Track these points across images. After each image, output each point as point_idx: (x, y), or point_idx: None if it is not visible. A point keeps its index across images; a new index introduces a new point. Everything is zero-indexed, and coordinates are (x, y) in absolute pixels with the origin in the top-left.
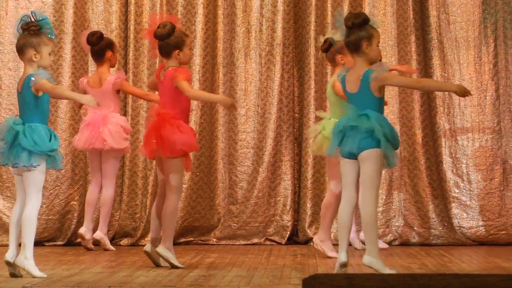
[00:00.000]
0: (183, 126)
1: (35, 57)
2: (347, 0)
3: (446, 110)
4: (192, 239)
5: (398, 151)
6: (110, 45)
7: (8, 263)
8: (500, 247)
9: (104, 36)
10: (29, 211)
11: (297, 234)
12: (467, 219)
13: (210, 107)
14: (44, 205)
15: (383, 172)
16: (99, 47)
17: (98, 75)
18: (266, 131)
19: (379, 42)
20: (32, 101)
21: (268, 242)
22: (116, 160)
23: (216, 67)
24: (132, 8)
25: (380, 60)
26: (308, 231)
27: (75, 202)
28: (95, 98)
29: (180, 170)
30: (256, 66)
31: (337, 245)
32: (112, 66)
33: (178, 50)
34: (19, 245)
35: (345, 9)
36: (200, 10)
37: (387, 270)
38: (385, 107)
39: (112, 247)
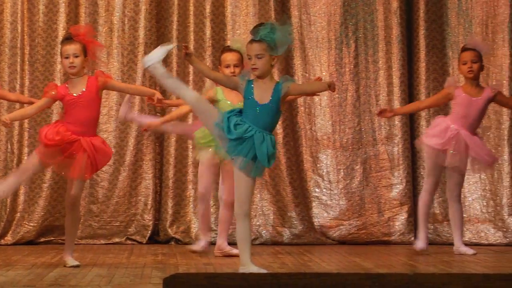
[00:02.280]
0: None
1: None
2: (209, 0)
3: (307, 109)
4: (52, 238)
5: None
6: None
7: None
8: (360, 246)
9: None
10: None
11: (158, 234)
12: (328, 218)
13: None
14: None
15: None
16: None
17: None
18: (127, 130)
19: (247, 55)
20: None
21: (129, 242)
22: None
23: None
24: None
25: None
26: (169, 230)
27: None
28: None
29: None
30: (119, 65)
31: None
32: None
33: None
34: None
35: (207, 9)
36: (62, 9)
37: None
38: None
39: None
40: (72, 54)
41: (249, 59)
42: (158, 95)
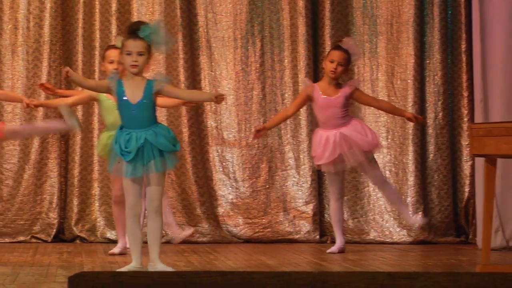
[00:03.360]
0: None
1: None
2: None
3: (213, 108)
4: None
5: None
6: None
7: None
8: (265, 245)
9: None
10: None
11: (64, 232)
12: (234, 217)
13: None
14: None
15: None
16: None
17: None
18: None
19: (127, 50)
20: None
21: (34, 240)
22: None
23: None
24: None
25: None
26: (75, 228)
27: None
28: None
29: None
30: (23, 63)
31: None
32: None
33: None
34: None
35: (113, 7)
36: None
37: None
38: None
39: None
40: None
41: (127, 54)
42: (25, 100)
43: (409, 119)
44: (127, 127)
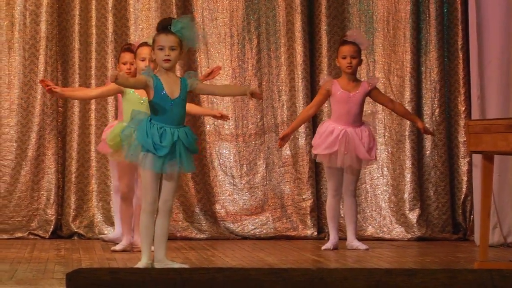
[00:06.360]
0: None
1: None
2: None
3: (209, 104)
4: None
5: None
6: None
7: None
8: (263, 241)
9: None
10: None
11: (61, 228)
12: (231, 213)
13: None
14: None
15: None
16: None
17: None
18: (29, 125)
19: (159, 45)
20: None
21: (31, 236)
22: None
23: None
24: None
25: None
26: (72, 225)
27: None
28: None
29: None
30: (20, 59)
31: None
32: None
33: None
34: None
35: (110, 4)
36: None
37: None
38: None
39: None
40: None
41: (159, 49)
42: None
43: (419, 129)
44: (160, 121)
